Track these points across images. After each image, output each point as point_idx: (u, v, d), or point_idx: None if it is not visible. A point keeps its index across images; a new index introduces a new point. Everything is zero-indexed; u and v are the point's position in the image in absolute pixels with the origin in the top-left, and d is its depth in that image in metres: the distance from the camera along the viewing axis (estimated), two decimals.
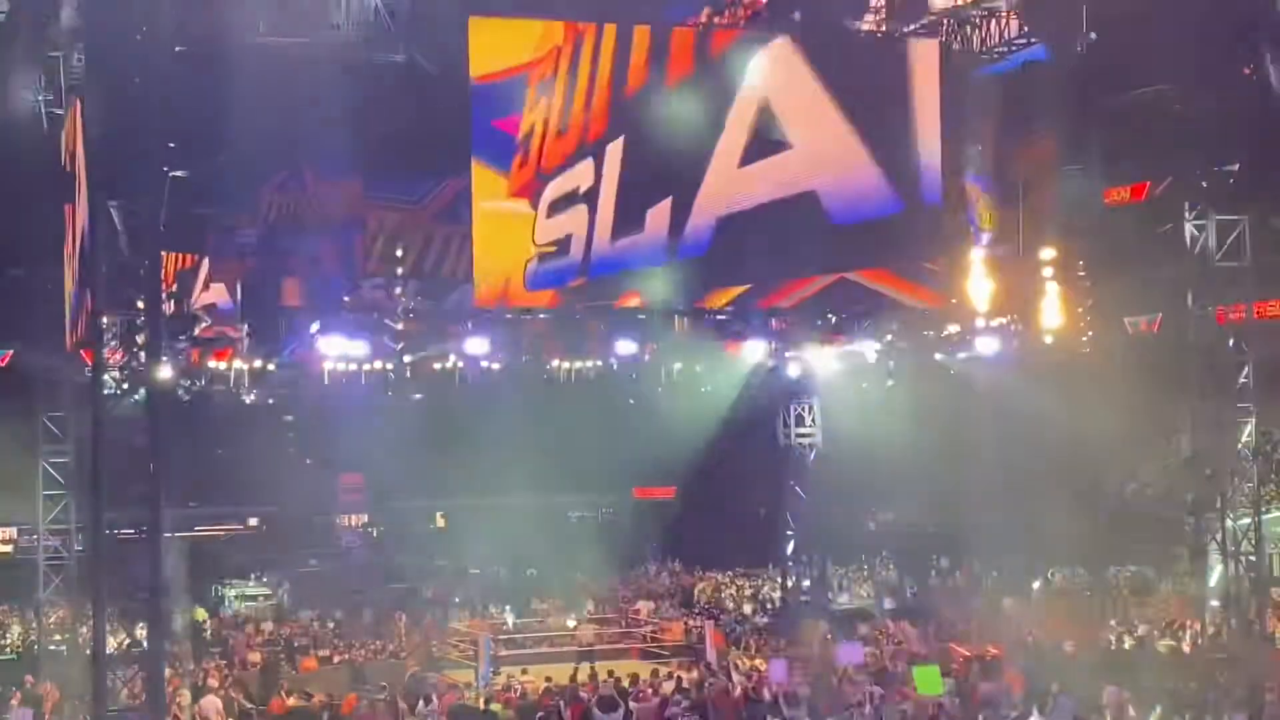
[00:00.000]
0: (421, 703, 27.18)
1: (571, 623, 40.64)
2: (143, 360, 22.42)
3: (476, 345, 36.71)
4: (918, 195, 28.90)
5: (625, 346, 37.75)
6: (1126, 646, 32.29)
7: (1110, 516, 47.99)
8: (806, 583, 41.18)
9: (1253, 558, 29.14)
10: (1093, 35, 29.56)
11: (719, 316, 35.40)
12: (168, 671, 30.03)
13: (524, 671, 31.46)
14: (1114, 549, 46.40)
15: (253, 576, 45.11)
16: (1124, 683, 26.19)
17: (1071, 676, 27.67)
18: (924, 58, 29.67)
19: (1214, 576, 29.20)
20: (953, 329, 37.98)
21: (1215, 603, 29.31)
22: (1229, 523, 28.87)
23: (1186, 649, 30.64)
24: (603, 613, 43.70)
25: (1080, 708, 24.24)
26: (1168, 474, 42.74)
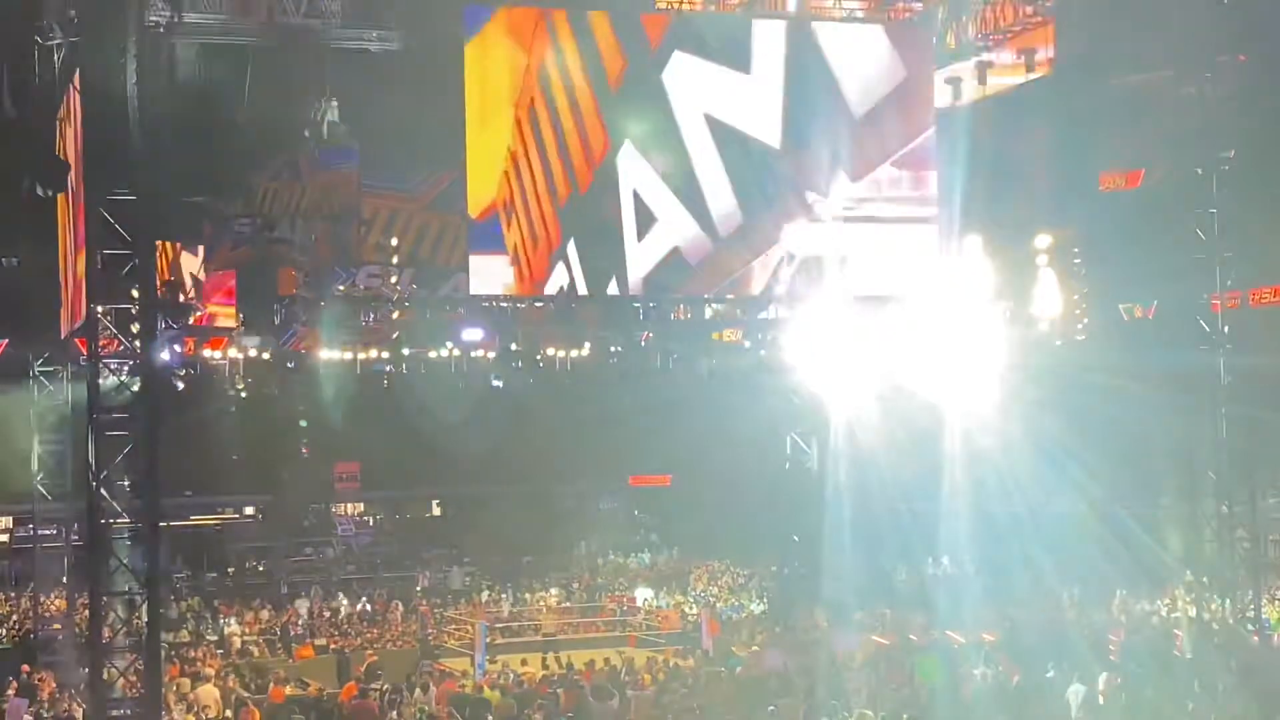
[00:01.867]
0: (419, 691, 27.22)
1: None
2: (138, 349, 22.37)
3: (471, 334, 36.65)
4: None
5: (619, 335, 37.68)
6: (1124, 632, 32.32)
7: (1105, 503, 48.11)
8: (803, 570, 41.20)
9: (1248, 544, 29.21)
10: None
11: (715, 305, 35.47)
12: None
13: (523, 662, 31.52)
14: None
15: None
16: (1121, 668, 26.25)
17: (1068, 663, 27.76)
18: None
19: (1209, 563, 29.25)
20: None
21: (1210, 588, 29.37)
22: (1225, 509, 28.94)
23: (1183, 634, 30.67)
24: (599, 600, 43.73)
25: (1075, 693, 24.25)
26: (1165, 461, 42.72)
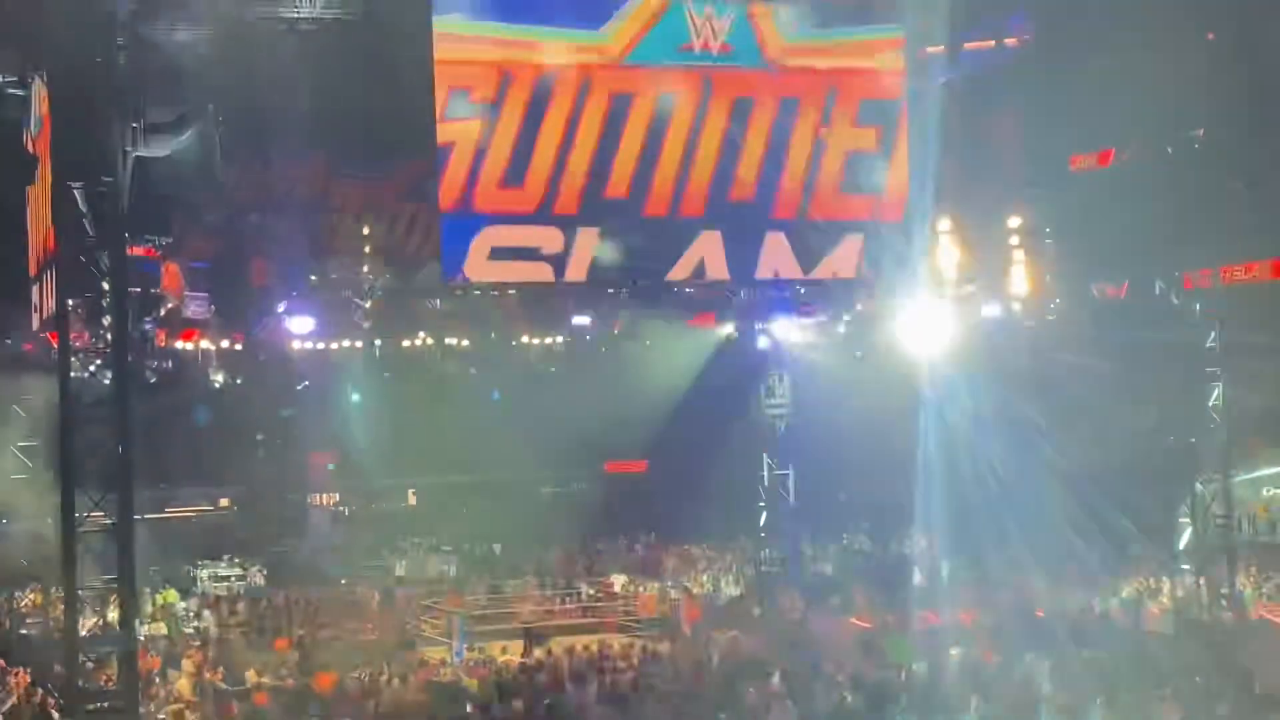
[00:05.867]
0: (397, 680, 27.20)
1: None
2: (109, 342, 22.27)
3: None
4: None
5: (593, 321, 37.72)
6: (1100, 612, 32.45)
7: (1080, 482, 48.30)
8: (779, 555, 41.21)
9: (1222, 521, 29.35)
10: None
11: (688, 290, 35.48)
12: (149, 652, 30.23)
13: (504, 650, 31.48)
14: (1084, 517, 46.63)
15: (225, 558, 44.80)
16: (1098, 648, 26.38)
17: (1044, 643, 27.87)
18: None
19: (1184, 540, 29.38)
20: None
21: (1186, 566, 29.51)
22: (1199, 486, 29.06)
23: (1158, 613, 30.85)
24: (576, 586, 43.65)
25: (1054, 672, 24.36)
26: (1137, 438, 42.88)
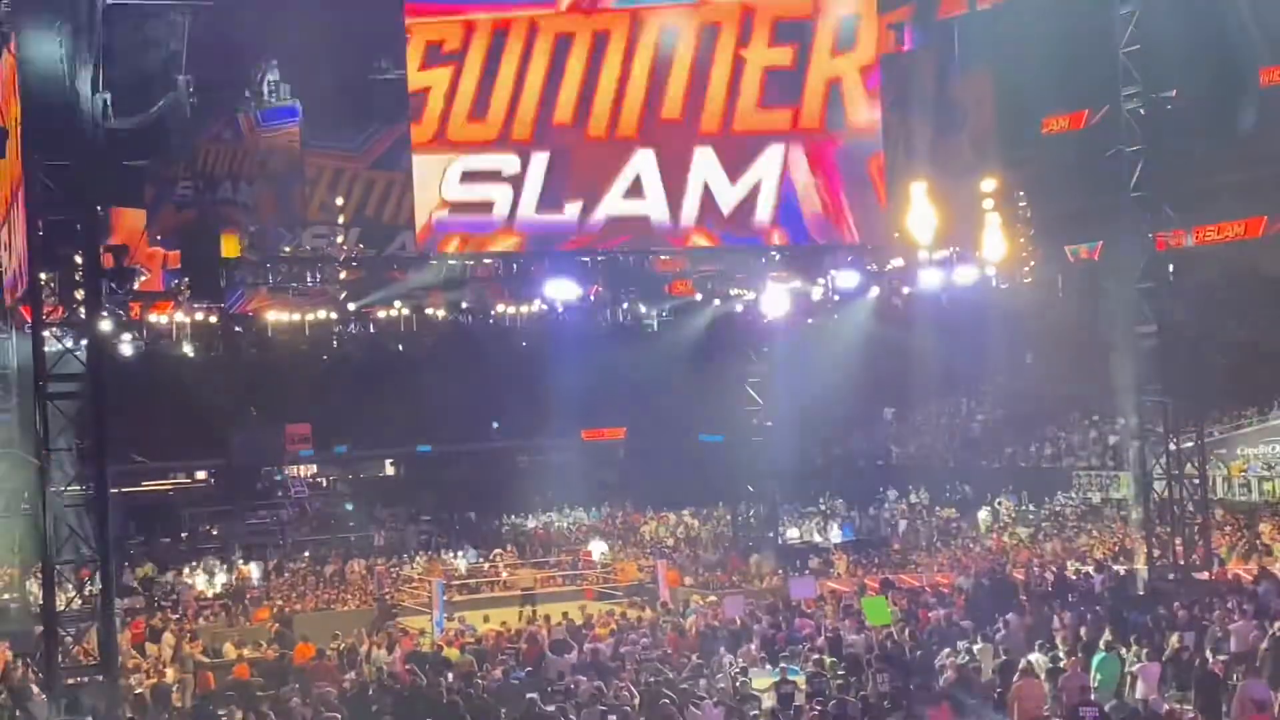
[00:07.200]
0: (382, 650, 27.25)
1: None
2: (83, 315, 22.17)
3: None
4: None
5: (571, 289, 37.59)
6: (1077, 572, 32.61)
7: (1053, 443, 48.54)
8: (757, 520, 41.31)
9: (1196, 480, 29.49)
10: None
11: (663, 256, 35.47)
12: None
13: (486, 619, 31.53)
14: (1058, 477, 46.89)
15: None
16: (1075, 608, 26.50)
17: (1021, 604, 28.00)
18: None
19: (1158, 500, 29.47)
20: (897, 262, 38.10)
21: (1159, 526, 29.64)
22: (1172, 446, 29.15)
23: (1135, 571, 30.98)
24: (554, 555, 43.74)
25: (1031, 634, 24.48)
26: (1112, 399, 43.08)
